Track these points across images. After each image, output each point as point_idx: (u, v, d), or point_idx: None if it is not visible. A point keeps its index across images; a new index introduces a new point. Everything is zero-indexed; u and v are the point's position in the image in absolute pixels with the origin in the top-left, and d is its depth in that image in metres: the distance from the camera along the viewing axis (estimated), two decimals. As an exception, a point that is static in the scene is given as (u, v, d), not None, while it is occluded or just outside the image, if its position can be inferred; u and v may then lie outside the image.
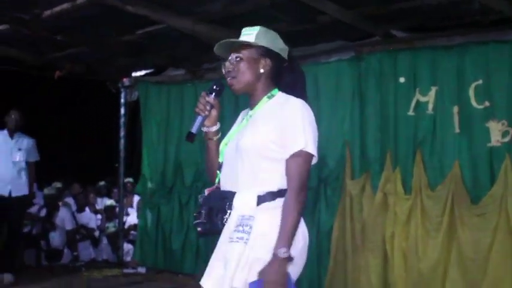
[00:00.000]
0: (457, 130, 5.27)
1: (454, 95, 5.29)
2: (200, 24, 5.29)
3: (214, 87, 2.52)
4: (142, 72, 7.98)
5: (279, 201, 2.32)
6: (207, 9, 5.18)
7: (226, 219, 2.34)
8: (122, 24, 5.68)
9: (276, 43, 2.48)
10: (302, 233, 2.34)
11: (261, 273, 2.21)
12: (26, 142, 7.03)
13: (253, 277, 2.24)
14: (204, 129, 2.56)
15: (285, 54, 2.50)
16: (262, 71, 2.45)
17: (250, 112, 2.50)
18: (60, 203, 8.70)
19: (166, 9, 5.12)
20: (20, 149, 6.94)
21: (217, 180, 2.47)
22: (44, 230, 8.22)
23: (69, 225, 8.45)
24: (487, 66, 5.13)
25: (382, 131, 5.66)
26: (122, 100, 8.14)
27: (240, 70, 2.43)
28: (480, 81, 5.15)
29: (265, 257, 2.23)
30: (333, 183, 5.94)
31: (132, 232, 8.85)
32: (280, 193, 2.33)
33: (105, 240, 8.80)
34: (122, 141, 8.15)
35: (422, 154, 5.43)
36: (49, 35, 5.81)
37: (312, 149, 2.32)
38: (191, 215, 7.09)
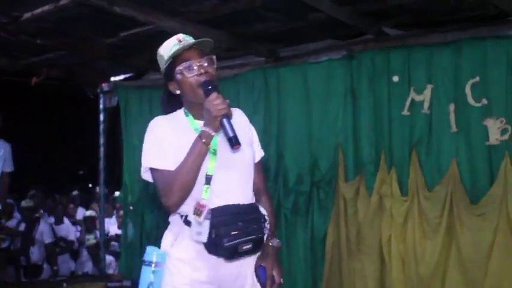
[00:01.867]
0: (454, 129, 5.16)
1: (450, 93, 5.17)
2: (188, 24, 5.09)
3: (212, 86, 2.37)
4: (122, 77, 7.72)
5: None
6: (196, 9, 4.99)
7: (266, 230, 2.39)
8: (106, 26, 5.45)
9: None
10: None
11: (266, 262, 2.43)
12: (3, 148, 6.34)
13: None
14: (212, 133, 2.32)
15: None
16: None
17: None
18: (38, 216, 8.38)
19: (155, 10, 4.92)
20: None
21: (207, 195, 2.29)
22: (24, 245, 7.87)
23: (48, 239, 8.15)
24: (484, 63, 5.02)
25: (376, 132, 5.52)
26: (101, 106, 7.86)
27: (213, 73, 2.46)
28: (477, 78, 5.05)
29: None
30: (326, 186, 5.78)
31: (113, 243, 8.58)
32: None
33: (85, 253, 8.52)
34: (102, 149, 7.86)
35: (419, 154, 5.31)
36: (28, 39, 5.54)
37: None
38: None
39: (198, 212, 2.25)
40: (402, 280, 5.33)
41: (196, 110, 2.39)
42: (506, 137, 4.92)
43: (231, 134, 2.25)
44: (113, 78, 7.79)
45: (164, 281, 2.30)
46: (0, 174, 6.34)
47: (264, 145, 2.81)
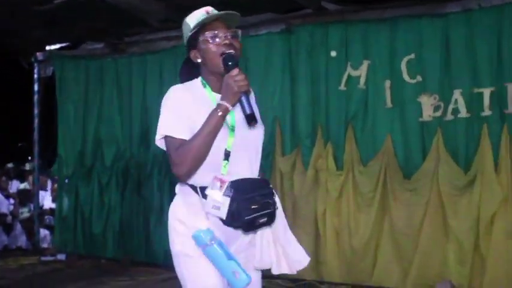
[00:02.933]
0: (389, 105, 5.25)
1: (386, 69, 5.25)
2: (124, -8, 4.96)
3: (232, 62, 2.24)
4: (58, 46, 7.49)
5: None
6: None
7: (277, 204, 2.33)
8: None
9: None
10: (181, 206, 2.37)
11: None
12: None
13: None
14: (230, 107, 2.23)
15: None
16: None
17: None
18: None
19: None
20: None
21: (225, 171, 2.26)
22: None
23: (-22, 212, 7.90)
24: (420, 41, 5.12)
25: (313, 106, 5.57)
26: (36, 76, 7.63)
27: (238, 47, 2.32)
28: (412, 56, 5.14)
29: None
30: (263, 160, 5.73)
31: (48, 217, 8.40)
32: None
33: (19, 226, 8.29)
34: (36, 120, 7.65)
35: (354, 129, 5.38)
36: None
37: None
38: (112, 197, 6.79)
39: (216, 186, 2.22)
40: (336, 252, 5.42)
41: (215, 82, 2.34)
42: (439, 113, 5.04)
43: (248, 111, 2.19)
44: (48, 48, 7.54)
45: (188, 246, 2.27)
46: None
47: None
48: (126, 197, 6.74)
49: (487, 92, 4.84)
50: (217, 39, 2.29)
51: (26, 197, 8.48)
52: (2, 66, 8.44)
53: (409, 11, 5.20)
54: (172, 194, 2.38)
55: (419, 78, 5.10)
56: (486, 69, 4.86)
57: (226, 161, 2.26)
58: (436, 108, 5.04)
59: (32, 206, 8.16)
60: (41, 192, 8.49)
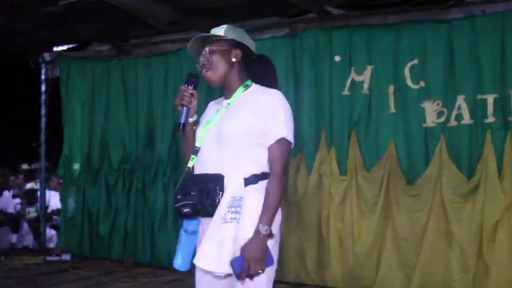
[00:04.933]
0: (393, 110, 5.23)
1: (389, 75, 5.24)
2: (128, -4, 4.98)
3: (192, 79, 2.61)
4: (65, 47, 7.53)
5: (262, 184, 2.47)
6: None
7: (219, 201, 2.43)
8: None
9: (244, 37, 2.64)
10: (280, 214, 2.50)
11: (243, 249, 2.37)
12: None
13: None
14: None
15: (253, 48, 2.66)
16: (234, 59, 2.58)
17: (228, 101, 2.61)
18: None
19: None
20: None
21: (191, 164, 2.59)
22: None
23: (-15, 211, 7.96)
24: (423, 46, 5.10)
25: (317, 111, 5.56)
26: (43, 76, 7.68)
27: (213, 62, 2.57)
28: (416, 61, 5.12)
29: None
30: (267, 164, 5.77)
31: (55, 217, 8.44)
32: (262, 176, 2.48)
33: (25, 226, 8.35)
34: (43, 120, 7.69)
35: (358, 134, 5.37)
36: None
37: (291, 138, 2.51)
38: (119, 198, 6.82)
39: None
40: (339, 257, 5.42)
41: (223, 90, 2.66)
42: (442, 119, 5.01)
43: (179, 120, 2.58)
44: (55, 49, 7.58)
45: None
46: None
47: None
48: (131, 198, 6.76)
49: (490, 99, 4.81)
50: (198, 63, 2.62)
51: (33, 197, 8.53)
52: (10, 67, 8.48)
53: (413, 17, 5.19)
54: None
55: (422, 83, 5.08)
56: (490, 76, 4.82)
57: (193, 156, 2.58)
58: (440, 114, 5.02)
59: (38, 205, 8.20)
60: (49, 192, 8.54)
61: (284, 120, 2.49)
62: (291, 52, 5.65)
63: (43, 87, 7.69)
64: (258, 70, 2.64)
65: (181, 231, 2.58)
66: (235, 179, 2.45)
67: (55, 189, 8.99)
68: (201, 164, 2.55)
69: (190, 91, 2.57)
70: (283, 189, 2.48)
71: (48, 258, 6.88)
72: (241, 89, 2.59)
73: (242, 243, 2.39)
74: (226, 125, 2.52)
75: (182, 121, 2.57)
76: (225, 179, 2.45)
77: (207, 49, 2.58)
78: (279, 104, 2.51)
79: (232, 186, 2.44)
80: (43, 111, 7.69)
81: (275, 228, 2.45)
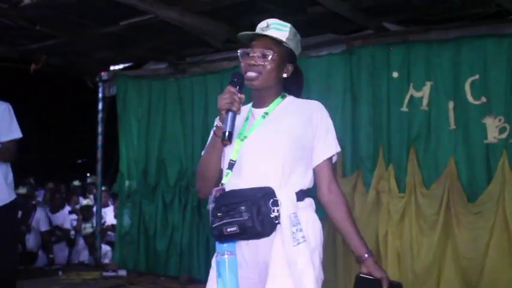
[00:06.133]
0: (453, 126, 5.15)
1: (449, 90, 5.16)
2: (187, 14, 5.07)
3: (236, 79, 2.32)
4: (121, 66, 7.70)
5: (307, 200, 2.30)
6: (196, 0, 4.96)
7: (276, 218, 2.17)
8: (106, 14, 5.44)
9: (298, 48, 2.45)
10: (319, 228, 2.34)
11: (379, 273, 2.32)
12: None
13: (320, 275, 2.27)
14: (219, 124, 2.29)
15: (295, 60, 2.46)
16: (285, 75, 2.39)
17: (264, 110, 2.38)
18: (34, 203, 8.36)
19: (154, -1, 4.90)
20: None
21: (226, 180, 2.29)
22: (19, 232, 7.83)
23: (44, 227, 8.12)
24: (484, 61, 5.01)
25: (375, 128, 5.52)
26: (100, 95, 7.85)
27: (267, 68, 2.33)
28: (477, 76, 5.04)
29: (316, 259, 2.27)
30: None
31: (110, 233, 8.56)
32: (307, 192, 2.31)
33: (81, 242, 8.50)
34: (100, 138, 7.84)
35: (417, 151, 5.30)
36: (27, 25, 5.52)
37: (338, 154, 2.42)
38: (176, 215, 6.88)
39: (211, 196, 2.28)
40: (398, 276, 5.31)
41: (254, 97, 2.44)
42: (504, 135, 4.91)
43: (224, 129, 2.22)
44: (112, 67, 7.76)
45: None
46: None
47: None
48: (187, 215, 6.82)
49: (554, 115, 4.72)
50: (244, 57, 2.36)
51: (88, 213, 8.68)
52: (68, 85, 8.71)
53: (473, 32, 5.11)
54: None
55: (483, 99, 4.99)
56: (553, 91, 4.73)
57: (228, 171, 2.29)
58: (502, 130, 4.92)
59: (94, 221, 8.34)
60: (104, 209, 8.70)
61: (333, 133, 2.37)
62: (348, 69, 5.64)
63: (100, 106, 7.84)
64: (292, 81, 2.43)
65: (218, 263, 2.21)
66: (287, 193, 2.21)
67: (104, 206, 9.14)
68: (240, 179, 2.27)
69: (237, 94, 2.28)
70: None
71: (105, 273, 6.98)
72: (278, 99, 2.39)
73: (317, 265, 2.24)
74: (274, 135, 2.29)
75: (228, 129, 2.22)
76: (279, 193, 2.19)
77: (265, 51, 2.32)
78: (328, 118, 2.39)
79: (289, 202, 2.19)
80: (100, 129, 7.84)
81: (319, 242, 2.30)
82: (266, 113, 2.37)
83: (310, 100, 2.43)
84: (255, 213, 2.15)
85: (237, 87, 2.28)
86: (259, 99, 2.40)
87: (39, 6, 5.11)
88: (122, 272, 6.99)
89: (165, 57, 7.03)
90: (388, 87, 5.44)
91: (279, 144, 2.27)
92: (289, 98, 2.42)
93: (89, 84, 7.90)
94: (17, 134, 4.26)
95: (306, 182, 2.32)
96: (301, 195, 2.27)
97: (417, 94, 5.31)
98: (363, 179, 5.54)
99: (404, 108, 5.36)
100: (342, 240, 5.46)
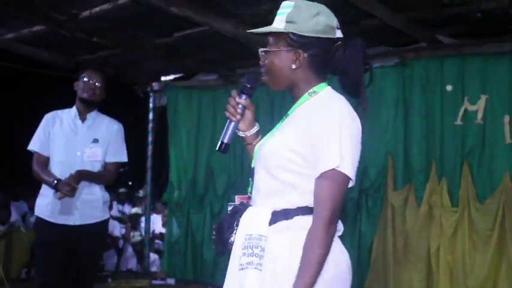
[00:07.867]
0: (508, 140, 5.07)
1: (505, 104, 5.09)
2: (242, 27, 5.11)
3: (246, 84, 2.12)
4: (172, 77, 7.80)
5: (297, 220, 1.91)
6: (252, 13, 5.01)
7: (230, 239, 1.99)
8: (161, 26, 5.52)
9: (315, 22, 1.94)
10: (333, 262, 1.88)
11: None
12: (106, 127, 4.20)
13: None
14: (241, 134, 2.19)
15: (331, 32, 1.97)
16: (294, 66, 1.96)
17: (290, 110, 2.04)
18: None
19: (210, 11, 4.96)
20: (96, 140, 4.12)
21: (249, 189, 2.08)
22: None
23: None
24: (542, 74, 4.93)
25: (427, 141, 5.47)
26: (151, 105, 7.96)
27: (267, 66, 2.01)
28: (533, 90, 4.96)
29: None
30: (375, 194, 5.74)
31: (157, 241, 8.66)
32: (299, 211, 1.91)
33: (130, 249, 8.61)
34: (150, 148, 7.95)
35: (471, 165, 5.23)
36: (84, 37, 5.66)
37: (348, 169, 1.83)
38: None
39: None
40: (449, 291, 5.26)
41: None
42: (562, 150, 4.82)
43: (222, 139, 2.14)
44: (163, 78, 7.87)
45: None
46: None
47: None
48: (234, 225, 6.84)
49: None
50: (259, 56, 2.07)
51: (137, 221, 8.80)
52: (120, 95, 8.86)
53: (529, 44, 5.05)
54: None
55: (540, 113, 4.92)
56: None
57: (250, 179, 2.09)
58: (559, 146, 4.83)
59: (142, 230, 8.44)
60: (153, 217, 8.80)
61: (339, 145, 1.82)
62: (401, 81, 5.62)
63: (151, 116, 7.95)
64: (338, 65, 1.98)
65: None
66: (258, 212, 1.95)
67: (157, 212, 9.23)
68: (254, 190, 2.05)
69: (238, 100, 2.11)
70: (330, 241, 1.83)
71: (154, 281, 7.05)
72: (306, 96, 1.99)
73: None
74: (266, 144, 2.01)
75: (225, 140, 2.12)
76: (247, 211, 1.99)
77: (262, 48, 2.03)
78: (335, 124, 1.84)
79: (250, 221, 1.95)
80: (150, 139, 7.94)
81: (321, 282, 1.83)
82: (287, 115, 2.04)
83: (332, 98, 1.96)
84: (224, 232, 2.03)
85: (243, 93, 2.12)
86: (292, 96, 2.05)
87: (96, 18, 5.22)
88: (171, 281, 7.05)
89: (216, 68, 7.10)
90: (441, 100, 5.39)
91: (266, 156, 1.98)
92: (321, 94, 1.98)
93: (140, 94, 8.01)
94: (123, 157, 4.26)
95: (298, 200, 1.92)
96: (282, 214, 1.92)
97: (472, 108, 5.24)
98: (415, 193, 5.49)
99: (458, 122, 5.30)
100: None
